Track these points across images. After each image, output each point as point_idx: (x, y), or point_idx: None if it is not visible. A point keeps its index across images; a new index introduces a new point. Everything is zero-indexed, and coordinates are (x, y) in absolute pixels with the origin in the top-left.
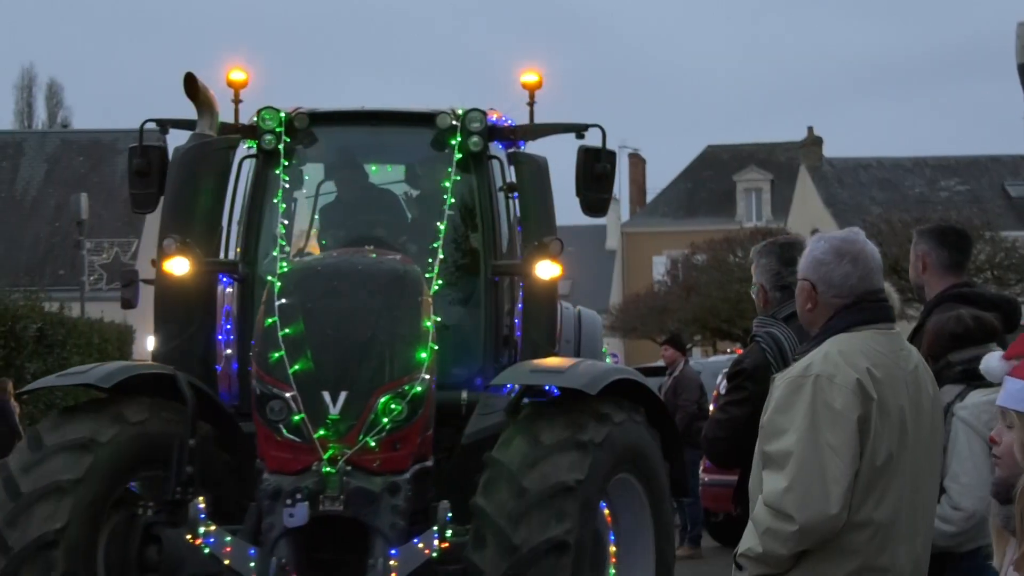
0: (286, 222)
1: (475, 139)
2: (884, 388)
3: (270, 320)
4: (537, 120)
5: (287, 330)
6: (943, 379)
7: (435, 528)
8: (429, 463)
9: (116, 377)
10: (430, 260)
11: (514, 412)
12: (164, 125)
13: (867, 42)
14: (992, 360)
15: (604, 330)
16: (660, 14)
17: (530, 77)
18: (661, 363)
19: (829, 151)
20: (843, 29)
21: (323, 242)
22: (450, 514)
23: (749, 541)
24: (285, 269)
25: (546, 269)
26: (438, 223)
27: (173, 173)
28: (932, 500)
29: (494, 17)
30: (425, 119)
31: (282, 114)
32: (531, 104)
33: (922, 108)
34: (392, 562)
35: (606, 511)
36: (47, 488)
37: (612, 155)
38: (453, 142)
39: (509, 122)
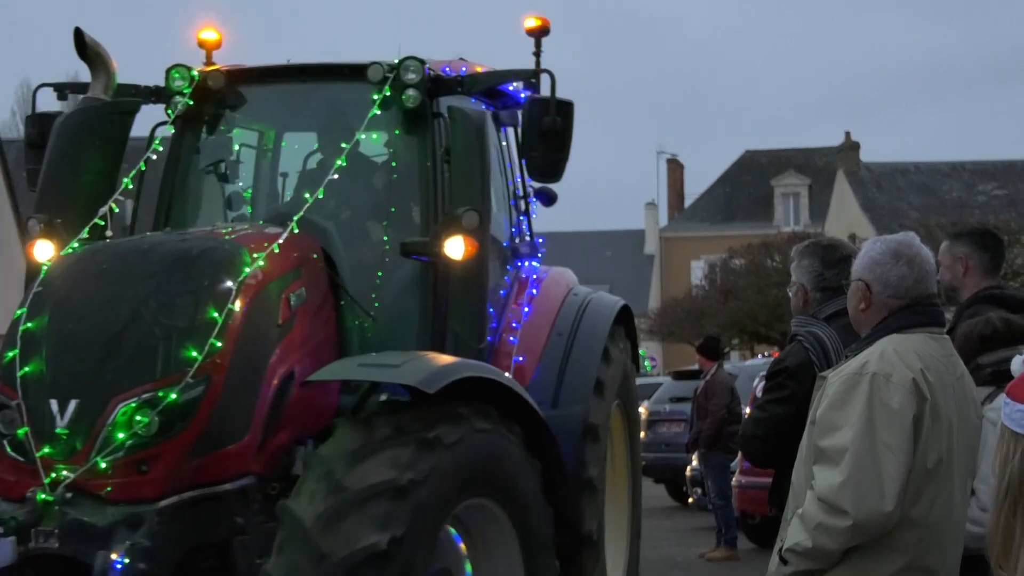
0: (191, 198)
1: (410, 92)
2: (936, 391)
3: (18, 313)
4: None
5: (29, 324)
6: (974, 382)
7: None
8: (216, 488)
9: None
10: (351, 238)
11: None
12: (61, 89)
13: (904, 47)
14: (1018, 363)
15: (642, 333)
16: (699, 20)
17: (532, 22)
18: (697, 367)
19: (866, 156)
20: (880, 34)
21: (230, 219)
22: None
23: (797, 536)
24: (67, 252)
25: (455, 247)
26: (362, 193)
27: (52, 143)
28: (967, 503)
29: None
30: (356, 71)
31: (194, 72)
32: (536, 54)
33: (960, 112)
34: None
35: (461, 545)
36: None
37: (565, 106)
38: (385, 95)
39: (463, 71)
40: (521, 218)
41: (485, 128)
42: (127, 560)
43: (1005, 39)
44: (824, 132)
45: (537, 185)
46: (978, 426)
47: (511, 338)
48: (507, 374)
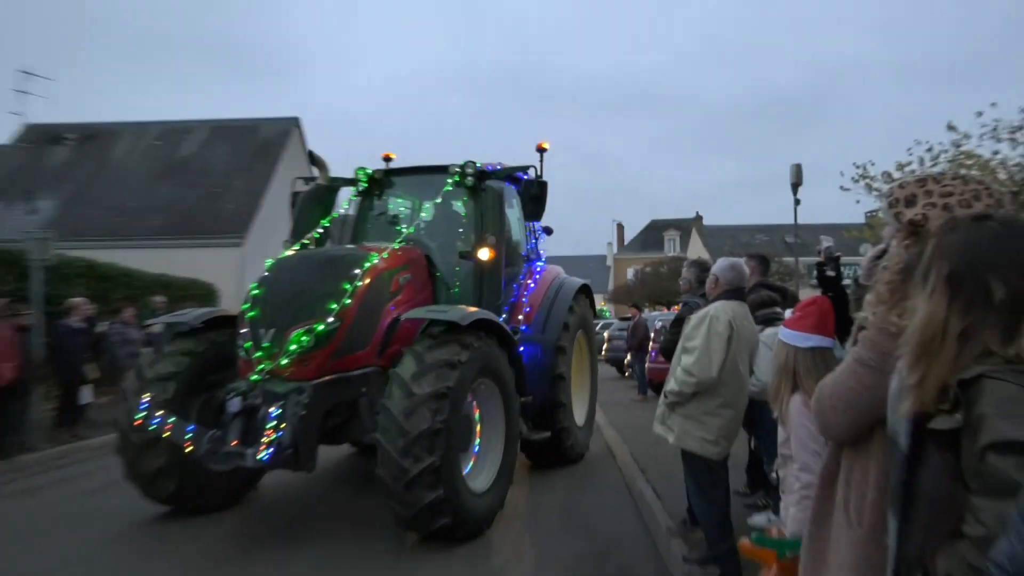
0: (368, 230)
1: (469, 178)
2: (738, 325)
3: (252, 285)
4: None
5: (255, 290)
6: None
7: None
8: (348, 373)
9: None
10: (444, 251)
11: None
12: (305, 179)
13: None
14: (788, 313)
15: (605, 300)
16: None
17: (538, 144)
18: (630, 315)
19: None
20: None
21: (385, 240)
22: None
23: (672, 386)
24: (281, 256)
25: (483, 253)
26: (449, 229)
27: (298, 204)
28: (748, 375)
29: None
30: (444, 168)
31: (368, 170)
32: (540, 162)
33: None
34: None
35: (475, 404)
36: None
37: (542, 183)
38: (457, 180)
39: (498, 167)
40: (533, 240)
41: (502, 195)
42: (296, 410)
43: None
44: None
45: (541, 224)
46: (755, 343)
47: (524, 299)
48: (502, 317)
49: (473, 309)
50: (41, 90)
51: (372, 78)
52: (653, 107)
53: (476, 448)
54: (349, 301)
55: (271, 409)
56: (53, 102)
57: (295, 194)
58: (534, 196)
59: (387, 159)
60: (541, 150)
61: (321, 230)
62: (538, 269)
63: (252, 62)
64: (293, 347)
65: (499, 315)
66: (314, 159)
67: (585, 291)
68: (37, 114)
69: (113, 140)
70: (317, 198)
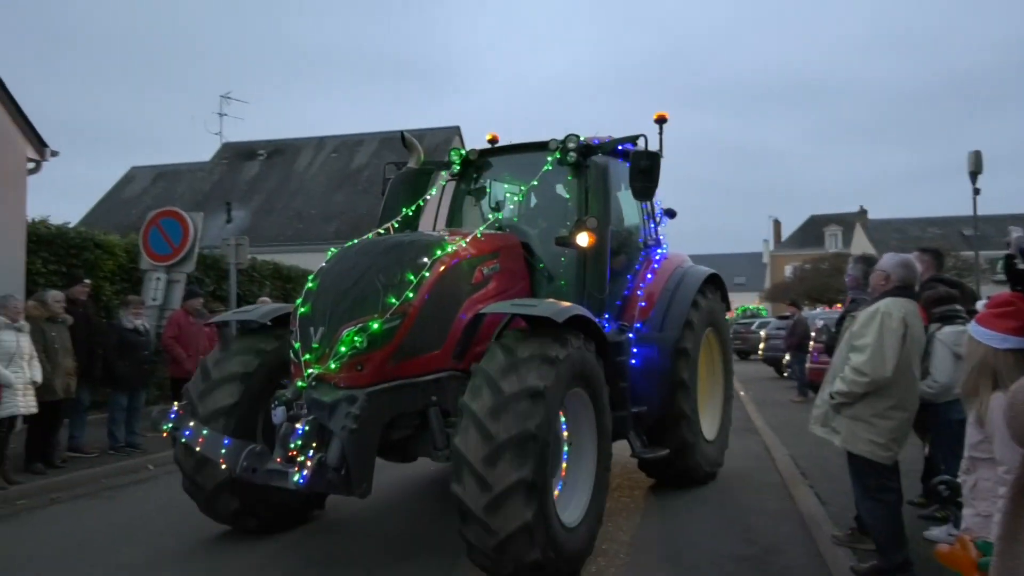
0: (464, 217)
1: (571, 154)
2: (910, 323)
3: (309, 278)
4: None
5: (309, 285)
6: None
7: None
8: (415, 379)
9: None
10: (546, 238)
11: (499, 337)
12: (397, 165)
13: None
14: (980, 304)
15: (761, 299)
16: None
17: (659, 114)
18: (789, 313)
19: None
20: None
21: (481, 226)
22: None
23: (840, 386)
24: (348, 244)
25: (581, 238)
26: (552, 213)
27: (388, 190)
28: (919, 376)
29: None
30: (543, 145)
31: (463, 151)
32: (660, 134)
33: None
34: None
35: (563, 418)
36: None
37: (653, 154)
38: (558, 157)
39: (606, 140)
40: (652, 225)
41: (607, 171)
42: (346, 423)
43: None
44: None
45: (663, 206)
46: (924, 344)
47: (639, 292)
48: (607, 315)
49: (568, 304)
50: (237, 111)
51: (528, 85)
52: (812, 97)
53: (564, 471)
54: (413, 294)
55: (298, 425)
56: (248, 122)
57: (387, 180)
58: (643, 170)
59: (492, 141)
60: (660, 120)
61: (401, 217)
62: (657, 258)
63: (418, 75)
64: (343, 349)
65: (603, 311)
66: (405, 141)
67: (714, 281)
68: (233, 133)
69: (296, 154)
70: (408, 183)
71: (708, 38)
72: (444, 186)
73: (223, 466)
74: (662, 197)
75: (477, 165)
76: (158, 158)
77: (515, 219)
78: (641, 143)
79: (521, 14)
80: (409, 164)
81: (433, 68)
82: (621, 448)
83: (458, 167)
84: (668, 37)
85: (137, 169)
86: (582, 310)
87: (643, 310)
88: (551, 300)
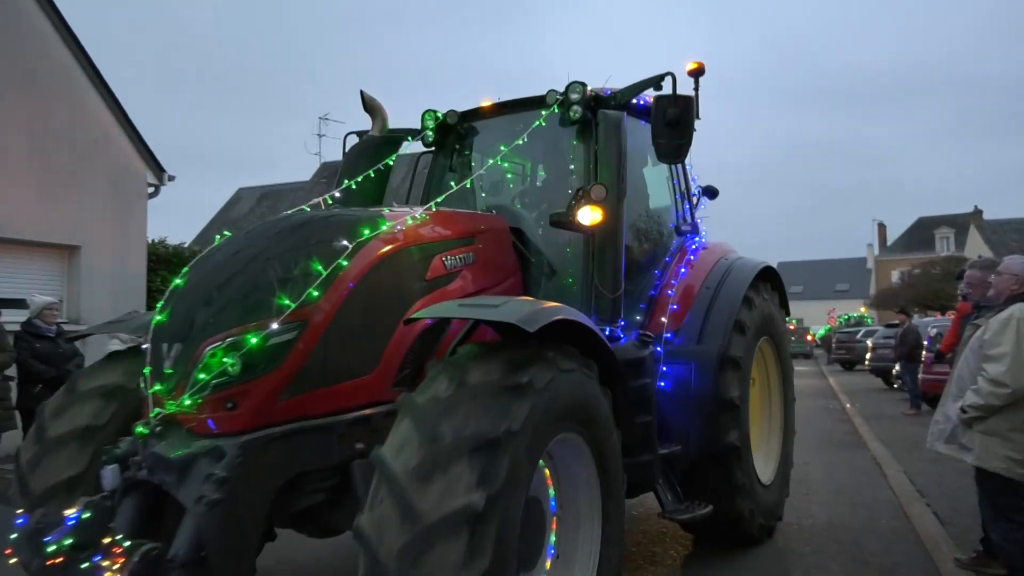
0: (449, 200)
1: (575, 108)
2: None
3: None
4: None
5: (176, 281)
6: None
7: None
8: (324, 420)
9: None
10: (545, 220)
11: (452, 353)
12: (358, 134)
13: None
14: None
15: (868, 305)
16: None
17: (691, 65)
18: (897, 321)
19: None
20: None
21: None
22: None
23: (972, 399)
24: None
25: (584, 215)
26: (554, 188)
27: (343, 161)
28: None
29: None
30: (539, 100)
31: (438, 114)
32: (696, 89)
33: None
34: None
35: (547, 472)
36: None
37: (685, 99)
38: (558, 111)
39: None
40: (686, 207)
41: (622, 125)
42: (204, 490)
43: None
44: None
45: (699, 183)
46: None
47: (669, 291)
48: (623, 321)
49: (551, 305)
50: (335, 132)
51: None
52: (922, 93)
53: (551, 552)
54: (320, 293)
55: (70, 512)
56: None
57: (345, 151)
58: (672, 121)
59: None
60: (696, 73)
61: (339, 193)
62: (694, 247)
63: (513, 84)
64: (203, 376)
65: (617, 316)
66: (364, 102)
67: (770, 277)
68: (332, 153)
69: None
70: (367, 156)
71: (810, 34)
72: (418, 160)
73: (11, 559)
74: (700, 172)
75: (459, 133)
76: (263, 178)
77: (514, 201)
78: (668, 86)
79: (613, 22)
80: (371, 132)
81: (530, 78)
82: (646, 504)
83: (432, 135)
84: (766, 35)
85: (244, 190)
86: (574, 313)
87: (675, 315)
88: (528, 299)
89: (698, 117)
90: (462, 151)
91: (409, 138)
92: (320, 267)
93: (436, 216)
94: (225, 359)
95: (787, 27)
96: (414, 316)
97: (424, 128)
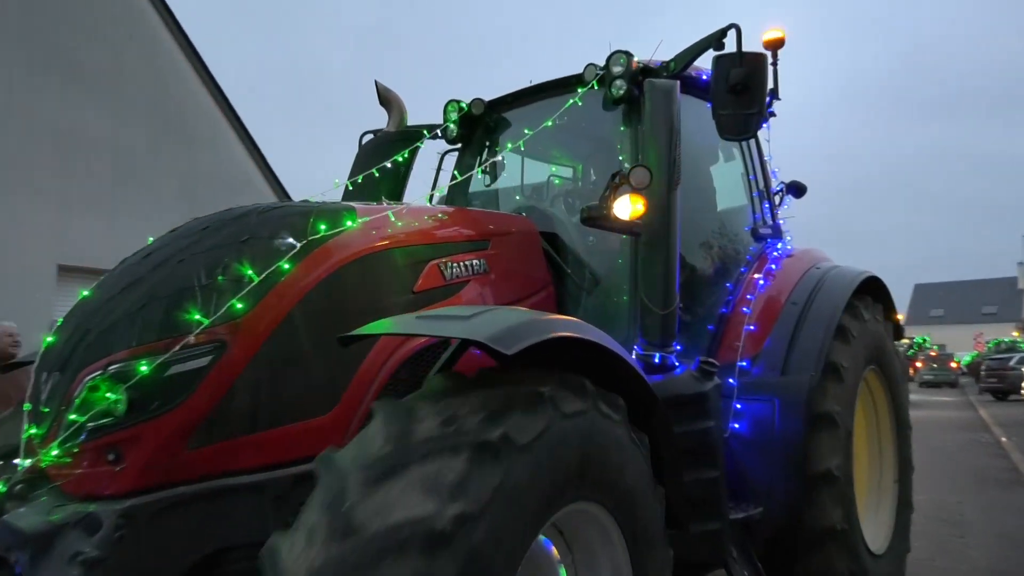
0: (466, 198)
1: (617, 83)
2: None
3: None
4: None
5: (84, 294)
6: None
7: None
8: (258, 477)
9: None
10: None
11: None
12: (374, 133)
13: None
14: None
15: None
16: None
17: (773, 34)
18: None
19: None
20: None
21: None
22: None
23: None
24: None
25: (622, 207)
26: (598, 182)
27: (354, 164)
28: None
29: None
30: (578, 79)
31: (462, 104)
32: (774, 64)
33: None
34: None
35: (554, 550)
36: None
37: (754, 58)
38: (584, 89)
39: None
40: (765, 206)
41: (672, 95)
42: (67, 573)
43: None
44: None
45: (780, 178)
46: None
47: (744, 308)
48: (678, 345)
49: (556, 318)
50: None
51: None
52: None
53: None
54: (244, 305)
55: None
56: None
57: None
58: (736, 87)
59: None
60: (774, 46)
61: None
62: (776, 254)
63: None
64: (75, 417)
65: (670, 338)
66: (379, 95)
67: (873, 290)
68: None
69: None
70: (380, 155)
71: (949, 39)
72: (442, 159)
73: None
74: (779, 165)
75: (488, 126)
76: None
77: (552, 202)
78: (730, 43)
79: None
80: (386, 128)
81: None
82: None
83: (455, 129)
84: (901, 43)
85: None
86: (585, 328)
87: (752, 337)
88: (520, 309)
89: (777, 97)
90: (492, 147)
91: (425, 132)
92: (251, 271)
93: (434, 213)
94: (106, 392)
95: (925, 31)
96: (360, 331)
97: (446, 122)
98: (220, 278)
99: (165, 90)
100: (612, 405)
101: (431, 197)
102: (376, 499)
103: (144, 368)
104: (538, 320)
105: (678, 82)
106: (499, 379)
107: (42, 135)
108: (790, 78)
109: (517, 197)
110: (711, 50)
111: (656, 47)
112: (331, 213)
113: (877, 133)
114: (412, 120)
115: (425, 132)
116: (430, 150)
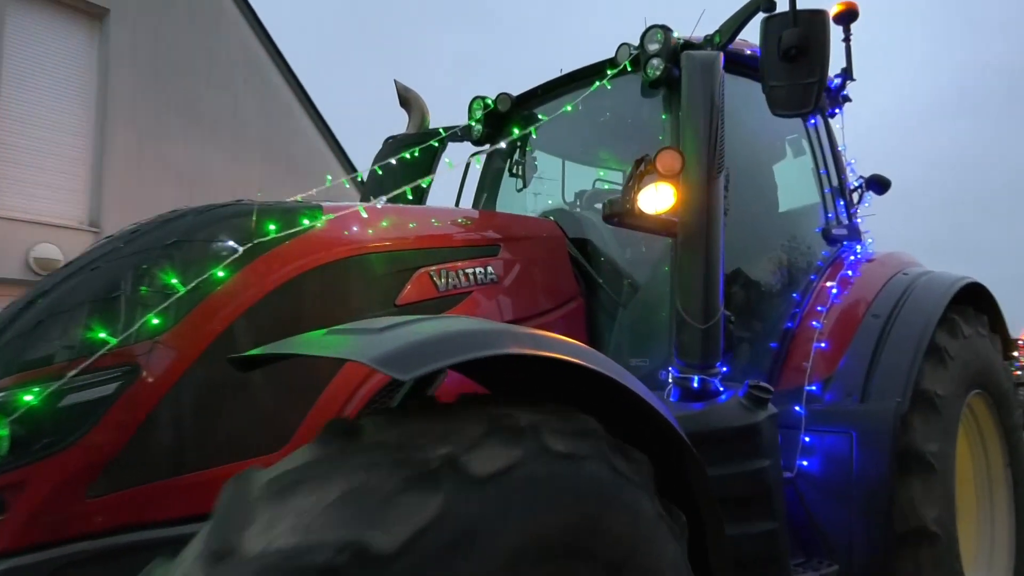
0: (494, 199)
1: (653, 62)
2: None
3: None
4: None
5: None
6: None
7: None
8: (147, 536)
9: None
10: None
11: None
12: (393, 136)
13: None
14: None
15: None
16: None
17: (838, 7)
18: None
19: None
20: None
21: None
22: None
23: None
24: None
25: (648, 199)
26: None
27: (373, 161)
28: None
29: None
30: (610, 62)
31: (487, 101)
32: (846, 40)
33: None
34: None
35: None
36: None
37: (811, 17)
38: (615, 72)
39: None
40: (840, 204)
41: (714, 68)
42: None
43: None
44: None
45: (867, 176)
46: None
47: (814, 322)
48: (725, 367)
49: (512, 329)
50: None
51: (856, 127)
52: None
53: None
54: (164, 322)
55: None
56: None
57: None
58: (788, 52)
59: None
60: (843, 18)
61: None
62: (852, 259)
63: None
64: None
65: (713, 357)
66: (400, 95)
67: (975, 299)
68: None
69: None
70: (396, 153)
71: None
72: (469, 163)
73: None
74: (856, 155)
75: (514, 122)
76: None
77: (582, 203)
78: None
79: (866, 46)
80: (407, 129)
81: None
82: None
83: (480, 128)
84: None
85: None
86: (579, 349)
87: (824, 357)
88: (464, 317)
89: (852, 78)
90: (522, 146)
91: (442, 131)
92: (176, 280)
93: (430, 214)
94: None
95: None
96: (234, 356)
97: (470, 125)
98: (143, 289)
99: (277, 130)
100: (631, 461)
101: (429, 184)
102: (268, 516)
103: (29, 398)
104: (475, 333)
105: (720, 54)
106: (476, 403)
107: (168, 174)
108: (909, 76)
109: (549, 201)
110: (761, 14)
111: (699, 18)
112: (284, 212)
113: (999, 133)
114: (436, 122)
115: (442, 131)
116: (463, 154)
